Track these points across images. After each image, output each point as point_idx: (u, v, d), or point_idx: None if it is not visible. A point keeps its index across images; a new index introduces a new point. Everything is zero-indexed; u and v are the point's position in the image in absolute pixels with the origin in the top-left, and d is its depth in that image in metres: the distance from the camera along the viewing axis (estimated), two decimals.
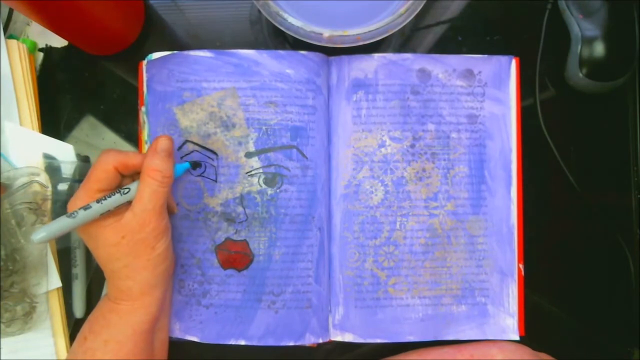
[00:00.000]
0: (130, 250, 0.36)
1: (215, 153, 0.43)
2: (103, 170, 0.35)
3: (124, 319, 0.37)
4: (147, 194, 0.35)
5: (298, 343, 0.43)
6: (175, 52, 0.44)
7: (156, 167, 0.36)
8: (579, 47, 0.45)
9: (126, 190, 0.35)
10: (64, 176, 0.45)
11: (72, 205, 0.35)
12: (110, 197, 0.35)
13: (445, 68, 0.45)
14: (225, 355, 0.45)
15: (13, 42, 0.44)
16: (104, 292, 0.45)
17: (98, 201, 0.34)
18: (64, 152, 0.45)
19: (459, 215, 0.44)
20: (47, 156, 0.44)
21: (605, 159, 0.47)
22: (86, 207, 0.34)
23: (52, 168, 0.44)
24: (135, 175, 0.38)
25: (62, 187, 0.44)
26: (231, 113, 0.43)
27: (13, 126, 0.44)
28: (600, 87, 0.45)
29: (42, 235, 0.33)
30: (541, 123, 0.46)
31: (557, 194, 0.47)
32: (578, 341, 0.47)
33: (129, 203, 0.36)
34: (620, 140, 0.47)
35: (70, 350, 0.39)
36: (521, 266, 0.44)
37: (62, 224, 0.33)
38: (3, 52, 0.44)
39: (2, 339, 0.42)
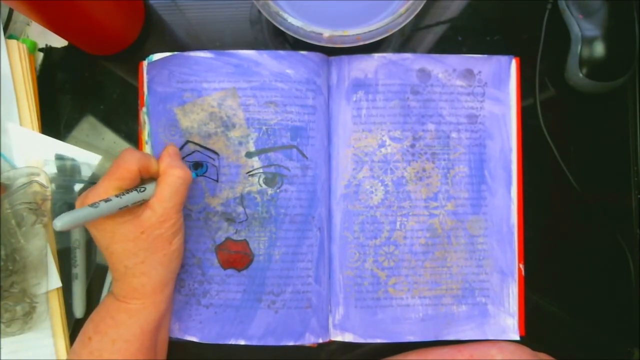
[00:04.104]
0: (149, 245, 0.36)
1: (216, 153, 0.43)
2: (128, 170, 0.36)
3: (133, 318, 0.38)
4: (168, 192, 0.36)
5: (298, 343, 0.43)
6: (175, 53, 0.44)
7: (178, 166, 0.37)
8: (579, 47, 0.45)
9: (143, 189, 0.36)
10: (84, 177, 0.45)
11: (86, 199, 0.35)
12: (129, 193, 0.36)
13: (445, 68, 0.45)
14: (225, 356, 0.45)
15: (13, 42, 0.44)
16: (104, 293, 0.45)
17: (117, 196, 0.35)
18: (69, 153, 0.45)
19: (459, 215, 0.44)
20: (60, 157, 0.44)
21: (605, 159, 0.47)
22: (106, 200, 0.34)
23: (68, 168, 0.45)
24: (147, 179, 0.39)
25: (78, 187, 0.45)
26: (231, 113, 0.43)
27: (13, 126, 0.44)
28: (600, 87, 0.45)
29: (65, 220, 0.33)
30: (541, 123, 0.46)
31: (557, 194, 0.47)
32: (578, 341, 0.47)
33: (142, 202, 0.37)
34: (620, 140, 0.47)
35: (71, 351, 0.38)
36: (521, 266, 0.44)
37: (85, 212, 0.34)
38: (3, 52, 0.44)
39: (2, 339, 0.42)
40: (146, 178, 0.38)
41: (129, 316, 0.37)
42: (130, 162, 0.36)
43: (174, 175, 0.37)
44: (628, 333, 0.46)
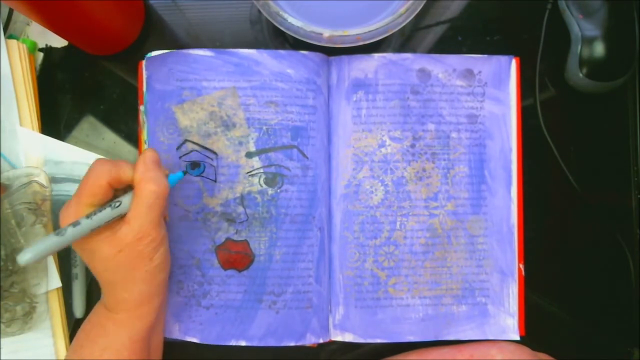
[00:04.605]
0: (128, 263, 0.35)
1: (215, 153, 0.43)
2: (96, 185, 0.34)
3: (121, 329, 0.37)
4: (143, 208, 0.34)
5: (299, 343, 0.43)
6: (174, 50, 0.43)
7: (150, 179, 0.35)
8: (579, 47, 0.45)
9: (117, 204, 0.34)
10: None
11: (63, 218, 0.34)
12: (100, 211, 0.33)
13: (445, 68, 0.45)
14: (224, 356, 0.45)
15: (13, 42, 0.44)
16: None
17: (88, 216, 0.33)
18: (66, 153, 0.45)
19: (459, 215, 0.44)
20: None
21: (605, 159, 0.47)
22: (75, 224, 0.32)
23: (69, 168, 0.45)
24: (127, 187, 0.37)
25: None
26: (231, 113, 0.43)
27: (13, 126, 0.44)
28: (600, 87, 0.45)
29: (28, 256, 0.31)
30: (541, 123, 0.46)
31: (557, 194, 0.47)
32: (578, 341, 0.47)
33: (120, 216, 0.35)
34: (620, 140, 0.47)
35: (66, 356, 0.38)
36: (521, 266, 0.44)
37: (49, 244, 0.32)
38: (3, 52, 0.44)
39: (2, 339, 0.42)
40: (121, 188, 0.36)
41: (117, 327, 0.37)
42: (99, 176, 0.34)
43: (146, 190, 0.34)
44: (628, 333, 0.46)
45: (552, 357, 0.43)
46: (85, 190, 0.34)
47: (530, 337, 0.44)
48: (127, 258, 0.35)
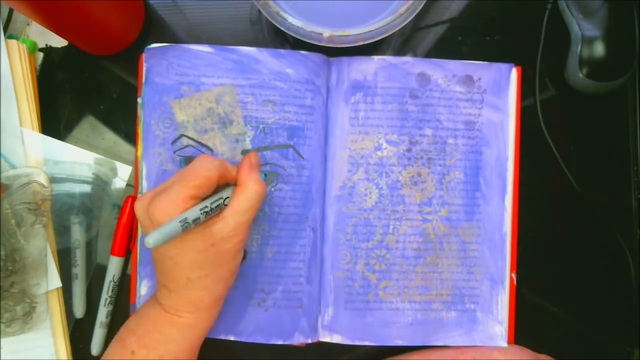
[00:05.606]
0: (216, 258, 0.35)
1: (210, 149, 0.43)
2: (206, 178, 0.34)
3: (184, 334, 0.36)
4: (244, 206, 0.35)
5: (287, 342, 0.42)
6: (175, 44, 0.43)
7: (256, 180, 0.36)
8: (579, 47, 0.45)
9: (227, 201, 0.35)
10: (85, 178, 0.45)
11: (157, 208, 0.33)
12: (214, 208, 0.34)
13: (445, 73, 0.44)
14: (226, 356, 0.45)
15: (13, 42, 0.44)
16: (103, 293, 0.44)
17: (205, 214, 0.33)
18: (66, 153, 0.45)
19: (452, 221, 0.44)
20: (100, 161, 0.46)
21: (605, 159, 0.47)
22: (195, 220, 0.32)
23: (110, 169, 0.46)
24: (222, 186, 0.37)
25: (79, 187, 0.45)
26: (229, 110, 0.43)
27: (14, 126, 0.44)
28: (600, 87, 0.45)
29: (156, 238, 0.31)
30: (541, 123, 0.46)
31: (557, 194, 0.47)
32: (578, 341, 0.47)
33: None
34: (620, 140, 0.47)
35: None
36: (514, 275, 0.44)
37: (173, 230, 0.32)
38: (3, 52, 0.44)
39: (2, 339, 0.42)
40: (221, 184, 0.37)
41: (180, 331, 0.36)
42: (209, 169, 0.34)
43: (252, 189, 0.36)
44: (628, 333, 0.46)
45: (553, 358, 0.43)
46: (195, 181, 0.34)
47: (530, 337, 0.44)
48: (217, 254, 0.35)
